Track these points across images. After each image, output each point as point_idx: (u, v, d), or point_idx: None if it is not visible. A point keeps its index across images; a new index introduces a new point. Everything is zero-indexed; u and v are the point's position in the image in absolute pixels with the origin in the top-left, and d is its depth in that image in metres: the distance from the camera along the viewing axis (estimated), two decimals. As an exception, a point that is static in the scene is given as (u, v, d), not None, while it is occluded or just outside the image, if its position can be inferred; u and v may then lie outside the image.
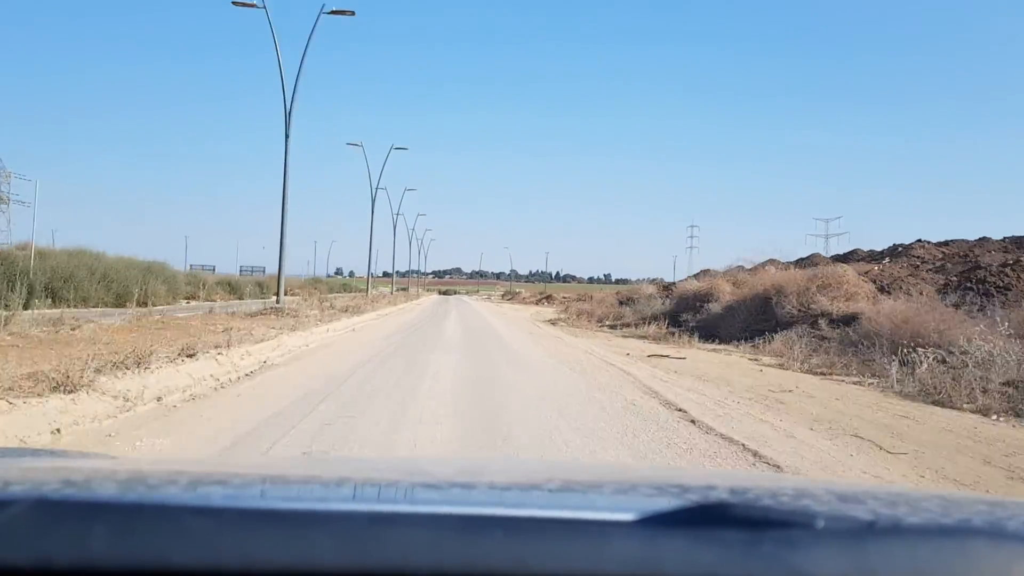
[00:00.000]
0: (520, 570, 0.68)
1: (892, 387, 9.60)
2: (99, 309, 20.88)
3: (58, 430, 5.43)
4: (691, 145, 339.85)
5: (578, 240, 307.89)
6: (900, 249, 27.30)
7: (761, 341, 15.66)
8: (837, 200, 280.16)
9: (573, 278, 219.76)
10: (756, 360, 13.90)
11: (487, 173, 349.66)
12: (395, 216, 59.27)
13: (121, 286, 25.72)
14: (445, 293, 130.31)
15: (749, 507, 0.82)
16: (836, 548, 0.70)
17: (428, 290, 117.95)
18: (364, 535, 0.71)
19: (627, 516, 0.76)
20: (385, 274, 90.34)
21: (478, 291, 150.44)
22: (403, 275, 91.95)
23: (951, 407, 8.23)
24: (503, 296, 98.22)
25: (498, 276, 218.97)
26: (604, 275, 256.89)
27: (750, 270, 25.56)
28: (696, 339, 18.05)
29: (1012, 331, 10.11)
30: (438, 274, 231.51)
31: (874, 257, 27.70)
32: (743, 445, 6.04)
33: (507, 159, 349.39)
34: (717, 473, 3.95)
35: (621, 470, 2.55)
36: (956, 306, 13.36)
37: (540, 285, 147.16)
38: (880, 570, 0.68)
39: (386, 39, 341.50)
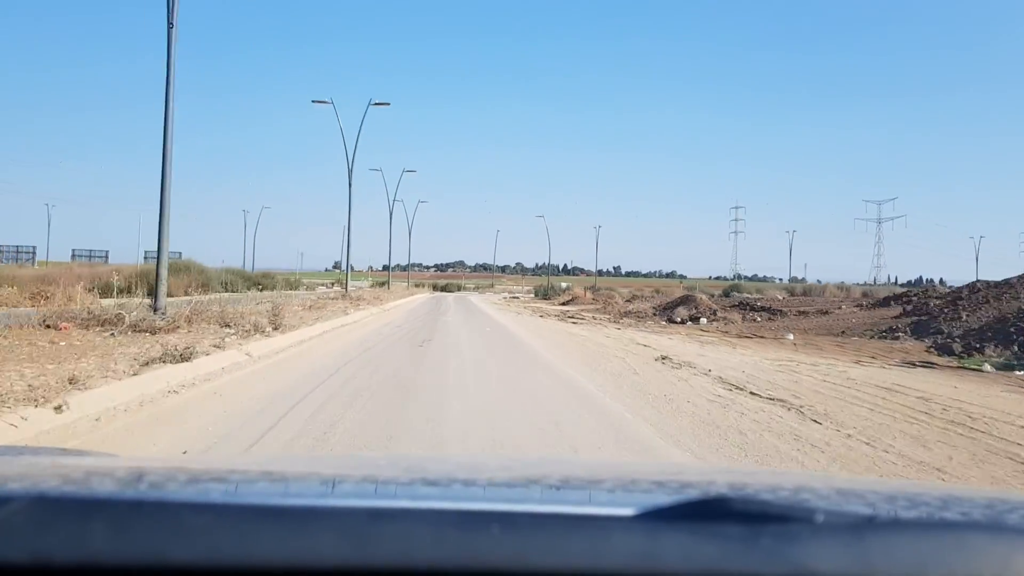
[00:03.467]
0: (520, 565, 0.69)
1: None
2: None
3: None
4: (702, 138, 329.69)
5: (582, 232, 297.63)
6: None
7: None
8: (875, 188, 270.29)
9: (581, 270, 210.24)
10: None
11: (490, 166, 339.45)
12: (392, 202, 50.39)
13: None
14: (444, 289, 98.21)
15: (748, 502, 0.83)
16: (835, 542, 0.71)
17: (418, 286, 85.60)
18: (364, 531, 0.72)
19: (627, 511, 0.77)
20: (385, 267, 78.96)
21: (492, 286, 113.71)
22: (404, 269, 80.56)
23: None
24: (537, 295, 67.04)
25: (503, 269, 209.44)
26: (614, 267, 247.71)
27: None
28: None
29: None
30: (440, 267, 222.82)
31: None
32: None
33: (509, 152, 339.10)
34: (716, 468, 3.77)
35: (620, 466, 2.44)
36: None
37: (543, 278, 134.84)
38: (879, 564, 0.69)
39: (396, 27, 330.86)
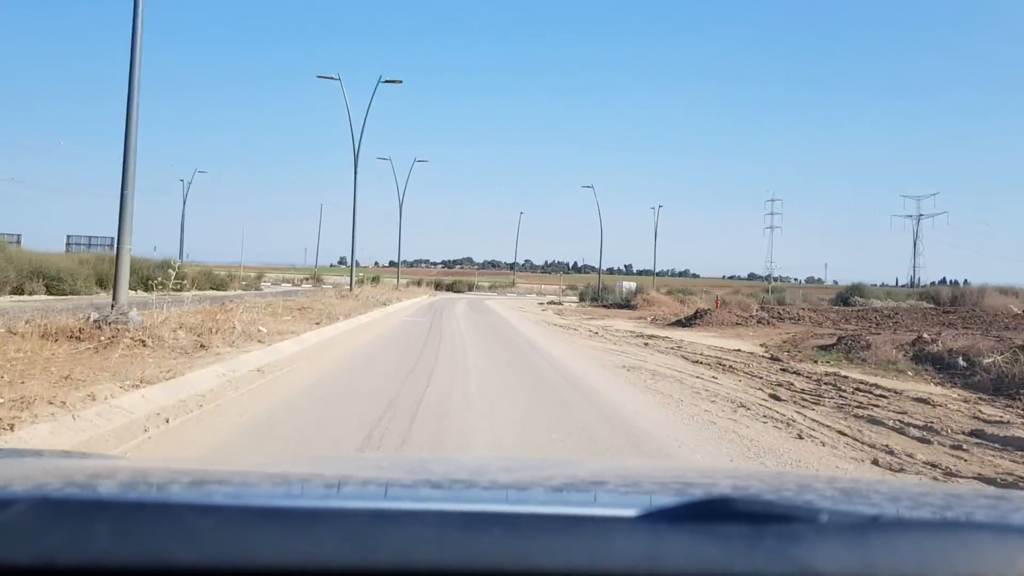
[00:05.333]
0: (523, 566, 0.69)
1: None
2: None
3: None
4: (712, 135, 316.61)
5: (590, 229, 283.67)
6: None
7: None
8: (899, 187, 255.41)
9: (592, 268, 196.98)
10: None
11: (494, 163, 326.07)
12: (358, 145, 30.70)
13: None
14: (452, 288, 79.31)
15: (752, 502, 0.83)
16: (839, 542, 0.71)
17: (417, 284, 67.20)
18: (367, 532, 0.72)
19: (630, 512, 0.77)
20: (392, 264, 64.24)
21: (513, 284, 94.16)
22: (411, 265, 66.14)
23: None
24: (583, 298, 52.58)
25: (511, 266, 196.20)
26: (625, 266, 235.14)
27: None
28: None
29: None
30: (447, 264, 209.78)
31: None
32: None
33: (516, 148, 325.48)
34: (719, 469, 3.73)
35: (624, 467, 2.38)
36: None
37: (559, 275, 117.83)
38: (883, 564, 0.69)
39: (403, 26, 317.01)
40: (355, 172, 31.53)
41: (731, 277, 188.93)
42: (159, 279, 16.55)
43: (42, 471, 1.12)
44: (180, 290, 34.73)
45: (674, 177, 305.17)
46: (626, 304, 41.88)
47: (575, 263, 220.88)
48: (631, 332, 22.00)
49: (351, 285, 33.03)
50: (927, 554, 0.70)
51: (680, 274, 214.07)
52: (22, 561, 0.67)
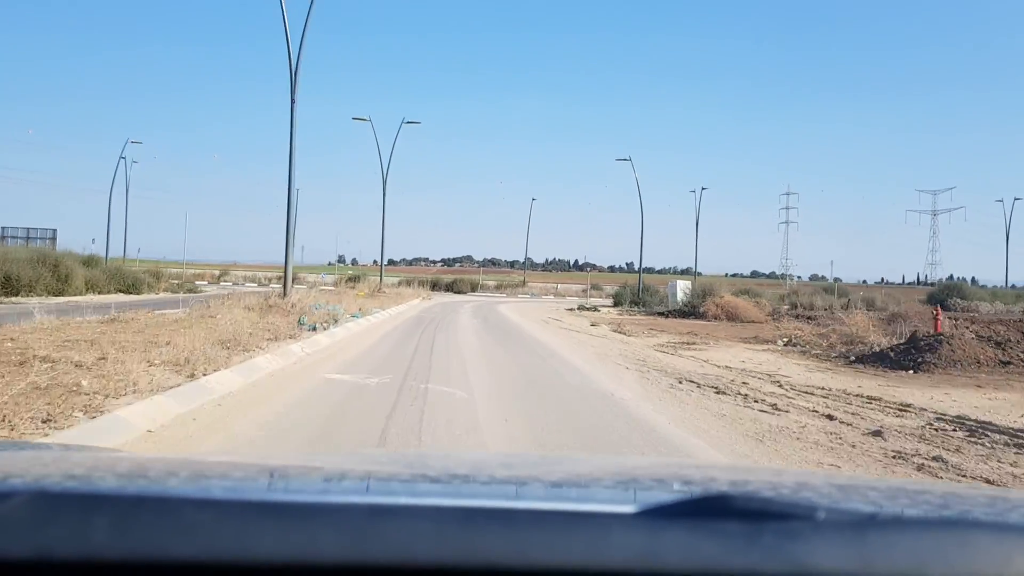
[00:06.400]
0: (521, 562, 0.69)
1: None
2: None
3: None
4: (715, 133, 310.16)
5: (590, 228, 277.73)
6: None
7: None
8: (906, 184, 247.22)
9: (593, 266, 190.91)
10: None
11: (494, 159, 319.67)
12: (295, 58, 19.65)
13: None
14: (452, 288, 68.18)
15: (750, 499, 0.83)
16: (837, 539, 0.71)
17: (408, 284, 53.83)
18: (365, 527, 0.72)
19: (628, 508, 0.77)
20: (391, 262, 56.84)
21: (523, 284, 79.36)
22: (410, 263, 58.97)
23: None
24: (619, 302, 43.68)
25: (512, 264, 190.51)
26: (626, 264, 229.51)
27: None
28: None
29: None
30: (447, 262, 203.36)
31: None
32: None
33: (515, 145, 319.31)
34: (718, 466, 3.70)
35: (622, 463, 2.34)
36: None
37: (565, 273, 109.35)
38: (881, 561, 0.69)
39: (400, 21, 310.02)
40: (292, 97, 19.97)
41: (734, 275, 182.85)
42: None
43: (41, 464, 1.12)
44: (59, 294, 26.41)
45: (675, 175, 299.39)
46: (692, 311, 31.48)
47: (575, 261, 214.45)
48: (877, 401, 9.03)
49: (284, 288, 19.37)
50: (924, 552, 0.70)
51: (683, 271, 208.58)
52: (20, 554, 0.67)
